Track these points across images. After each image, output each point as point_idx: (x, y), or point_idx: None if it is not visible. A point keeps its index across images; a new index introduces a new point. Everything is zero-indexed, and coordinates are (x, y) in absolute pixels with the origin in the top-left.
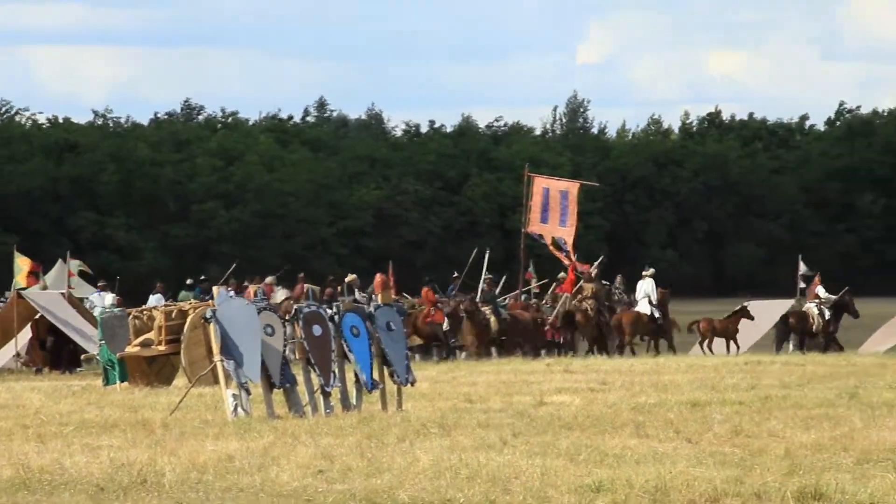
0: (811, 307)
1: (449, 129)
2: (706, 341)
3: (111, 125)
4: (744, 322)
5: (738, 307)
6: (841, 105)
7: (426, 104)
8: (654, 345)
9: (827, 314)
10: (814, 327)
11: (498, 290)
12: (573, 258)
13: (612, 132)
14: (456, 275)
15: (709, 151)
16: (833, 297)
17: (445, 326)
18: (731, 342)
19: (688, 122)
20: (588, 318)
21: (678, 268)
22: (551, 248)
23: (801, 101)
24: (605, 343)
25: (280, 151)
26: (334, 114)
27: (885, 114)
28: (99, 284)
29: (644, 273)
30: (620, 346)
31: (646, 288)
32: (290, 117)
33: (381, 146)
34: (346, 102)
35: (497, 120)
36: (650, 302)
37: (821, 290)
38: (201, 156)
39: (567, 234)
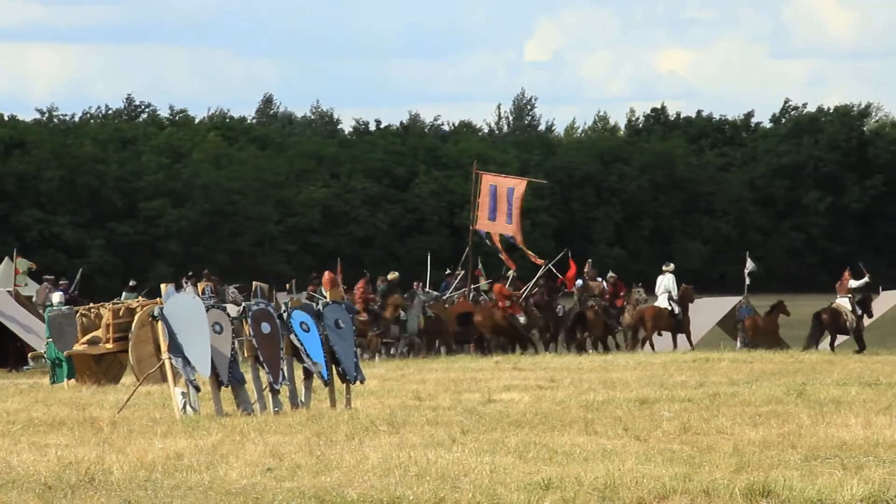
0: (843, 303)
1: (396, 127)
2: (750, 340)
3: (56, 121)
4: (693, 317)
5: (775, 302)
6: (786, 102)
7: (374, 102)
8: (673, 340)
9: (858, 310)
10: (847, 323)
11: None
12: (528, 252)
13: (559, 129)
14: (449, 272)
15: (655, 149)
16: (862, 281)
17: (523, 320)
18: (774, 340)
19: (634, 119)
20: (597, 317)
21: (626, 265)
22: (498, 245)
23: (747, 98)
24: (605, 340)
25: (227, 149)
26: (280, 111)
27: (831, 111)
28: (60, 283)
29: (664, 269)
30: (644, 340)
31: (666, 283)
32: (241, 117)
33: (330, 144)
34: (293, 100)
35: (441, 118)
36: (671, 298)
37: (853, 283)
38: (148, 153)
39: (514, 230)
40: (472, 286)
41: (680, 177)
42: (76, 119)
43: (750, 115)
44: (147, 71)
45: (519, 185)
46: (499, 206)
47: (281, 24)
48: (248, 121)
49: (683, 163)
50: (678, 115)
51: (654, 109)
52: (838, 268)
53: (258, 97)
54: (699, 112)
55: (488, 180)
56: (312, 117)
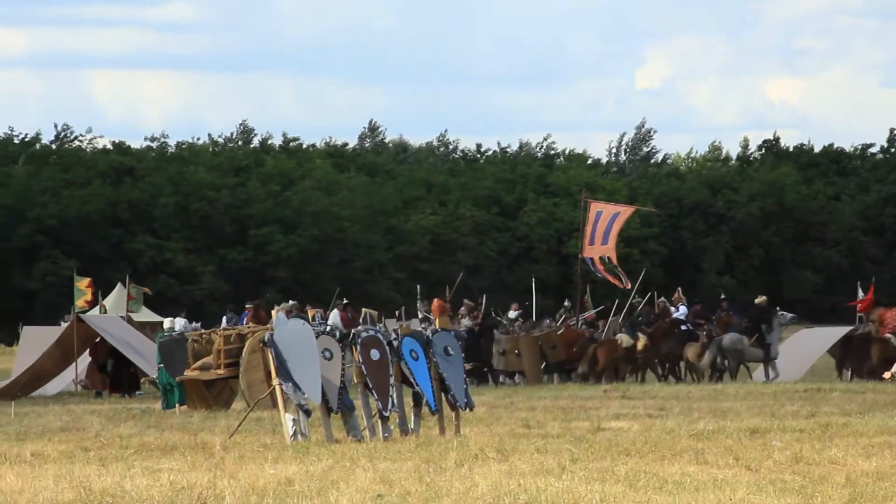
0: None
1: (506, 154)
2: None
3: (171, 149)
4: (797, 348)
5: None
6: (893, 132)
7: (484, 130)
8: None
9: None
10: None
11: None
12: (620, 273)
13: (670, 158)
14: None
15: (766, 177)
16: None
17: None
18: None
19: (747, 148)
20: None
21: (735, 294)
22: (600, 268)
23: (858, 127)
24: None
25: (337, 176)
26: (388, 138)
27: None
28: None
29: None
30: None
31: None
32: (345, 144)
33: (439, 171)
34: (405, 127)
35: (551, 145)
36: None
37: None
38: (258, 180)
39: (609, 250)
40: (580, 315)
41: (790, 205)
42: (189, 144)
43: (867, 145)
44: (258, 98)
45: (625, 212)
46: (598, 230)
47: (391, 51)
48: (357, 149)
49: (794, 191)
50: (786, 145)
51: (765, 140)
52: None
53: (365, 124)
54: (809, 141)
55: (596, 207)
56: (436, 143)
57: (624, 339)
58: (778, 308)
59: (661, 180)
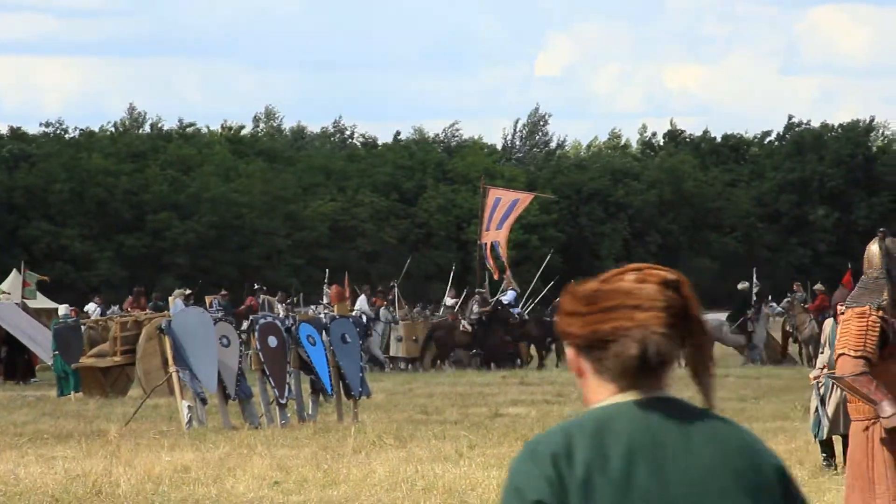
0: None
1: (405, 141)
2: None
3: (66, 135)
4: None
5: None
6: (791, 119)
7: (383, 116)
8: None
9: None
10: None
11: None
12: (505, 261)
13: (569, 144)
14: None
15: (664, 165)
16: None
17: None
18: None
19: (645, 135)
20: None
21: None
22: (488, 255)
23: (757, 115)
24: None
25: (236, 162)
26: (287, 124)
27: (837, 128)
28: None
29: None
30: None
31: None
32: (242, 127)
33: (338, 158)
34: (302, 113)
35: (452, 130)
36: None
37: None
38: (156, 166)
39: (500, 236)
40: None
41: (688, 193)
42: (84, 131)
43: (765, 133)
44: (155, 84)
45: (524, 199)
46: (495, 215)
47: (291, 36)
48: (255, 134)
49: (691, 179)
50: (684, 133)
51: (669, 129)
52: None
53: (262, 110)
54: (706, 130)
55: (494, 194)
56: (332, 130)
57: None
58: (769, 297)
59: (560, 168)
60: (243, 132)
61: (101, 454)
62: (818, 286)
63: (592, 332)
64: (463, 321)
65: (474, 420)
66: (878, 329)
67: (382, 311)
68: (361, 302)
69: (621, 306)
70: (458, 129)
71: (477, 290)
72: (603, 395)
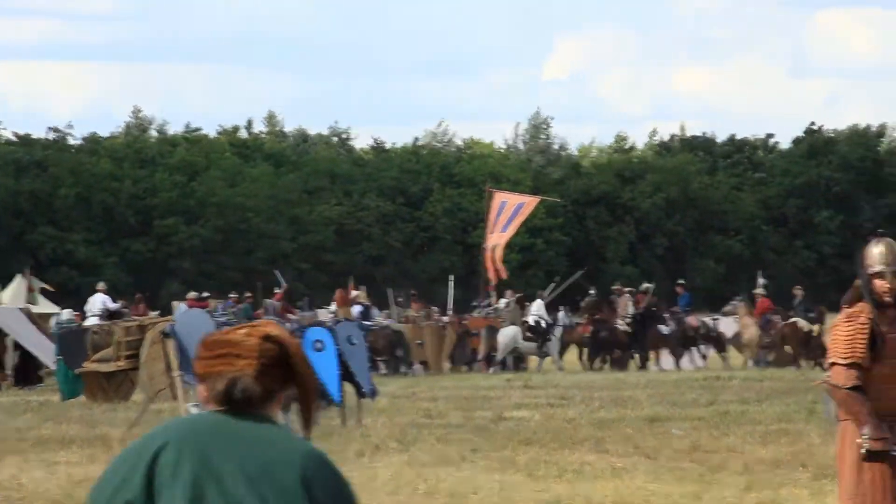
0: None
1: (411, 145)
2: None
3: (74, 140)
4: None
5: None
6: (803, 122)
7: (389, 120)
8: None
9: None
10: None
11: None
12: (500, 266)
13: (574, 148)
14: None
15: (670, 167)
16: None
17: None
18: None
19: (654, 138)
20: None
21: (638, 284)
22: (488, 255)
23: (766, 118)
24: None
25: (242, 166)
26: (287, 128)
27: (845, 131)
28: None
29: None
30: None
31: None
32: (253, 132)
33: (343, 162)
34: (307, 118)
35: (457, 135)
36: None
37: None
38: (163, 171)
39: (502, 239)
40: (483, 303)
41: (693, 195)
42: (90, 137)
43: (769, 135)
44: (161, 88)
45: (530, 203)
46: (500, 219)
47: (296, 41)
48: (259, 136)
49: (697, 181)
50: (692, 136)
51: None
52: (849, 286)
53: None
54: (712, 132)
55: (500, 197)
56: (327, 134)
57: (803, 323)
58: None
59: (566, 171)
60: (238, 134)
61: (104, 459)
62: (759, 290)
63: (206, 371)
64: (618, 321)
65: (478, 423)
66: (866, 331)
67: (630, 309)
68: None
69: (228, 354)
70: (447, 130)
71: (621, 287)
72: None
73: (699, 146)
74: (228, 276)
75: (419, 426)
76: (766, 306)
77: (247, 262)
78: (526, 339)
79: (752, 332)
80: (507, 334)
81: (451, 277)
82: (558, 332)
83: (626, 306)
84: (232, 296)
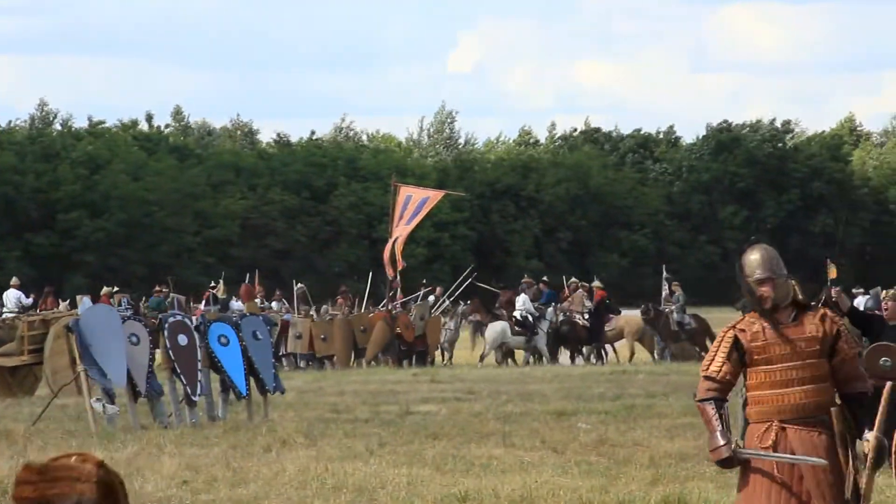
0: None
1: (316, 139)
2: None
3: None
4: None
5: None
6: (707, 117)
7: (294, 113)
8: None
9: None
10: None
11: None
12: (398, 257)
13: (480, 142)
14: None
15: (574, 162)
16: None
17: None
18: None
19: (553, 132)
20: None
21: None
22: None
23: (670, 112)
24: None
25: (146, 160)
26: (192, 122)
27: (749, 127)
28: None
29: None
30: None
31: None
32: (155, 126)
33: (248, 155)
34: (211, 111)
35: (361, 130)
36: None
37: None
38: (66, 164)
39: (404, 231)
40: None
41: (597, 190)
42: None
43: (672, 129)
44: (64, 81)
45: (434, 197)
46: (406, 213)
47: (200, 34)
48: (163, 130)
49: (601, 176)
50: (596, 130)
51: (575, 128)
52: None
53: (171, 108)
54: (616, 126)
55: (405, 191)
56: (231, 128)
57: (633, 318)
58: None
59: (471, 165)
60: (140, 127)
61: (8, 454)
62: (596, 283)
63: (41, 495)
64: (577, 315)
65: (385, 418)
66: (728, 345)
67: (587, 303)
68: (526, 301)
69: (66, 478)
70: (352, 126)
71: (574, 281)
72: None
73: (603, 140)
74: (133, 270)
75: (326, 421)
76: (602, 299)
77: (151, 255)
78: (514, 333)
79: (633, 325)
80: (496, 329)
81: (371, 272)
82: (545, 325)
83: (582, 301)
84: (157, 289)
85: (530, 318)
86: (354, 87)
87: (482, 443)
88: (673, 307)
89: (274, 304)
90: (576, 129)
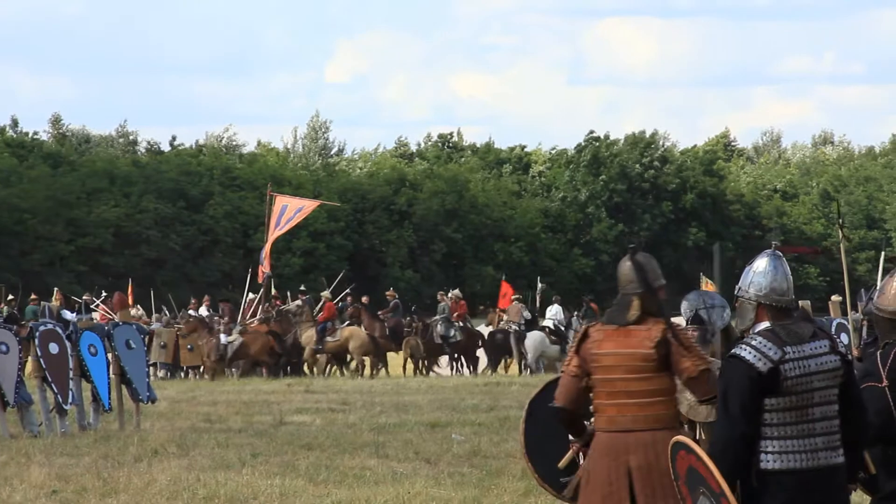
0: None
1: (191, 147)
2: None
3: None
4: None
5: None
6: (581, 130)
7: (170, 121)
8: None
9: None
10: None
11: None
12: (265, 259)
13: (351, 152)
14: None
15: (449, 174)
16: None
17: None
18: None
19: (430, 143)
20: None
21: (419, 289)
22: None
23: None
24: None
25: (18, 167)
26: (71, 128)
27: (622, 140)
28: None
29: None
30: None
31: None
32: (23, 132)
33: (122, 163)
34: (88, 118)
35: (238, 138)
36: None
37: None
38: None
39: (276, 234)
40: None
41: (473, 202)
42: None
43: (547, 142)
44: None
45: (309, 206)
46: (281, 222)
47: (76, 39)
48: (40, 138)
49: (477, 188)
50: (471, 143)
51: (448, 135)
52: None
53: (49, 114)
54: (490, 138)
55: (281, 201)
56: (114, 135)
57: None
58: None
59: (346, 175)
60: (7, 133)
61: None
62: (325, 293)
63: None
64: (513, 325)
65: (258, 428)
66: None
67: (525, 314)
68: (557, 311)
69: None
70: (234, 134)
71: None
72: None
73: (478, 152)
74: (4, 278)
75: (199, 431)
76: (332, 312)
77: (23, 263)
78: (551, 342)
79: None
80: (535, 339)
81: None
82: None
83: (519, 312)
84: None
85: (562, 328)
86: (237, 95)
87: (356, 454)
88: (438, 318)
89: (133, 311)
90: (449, 140)
